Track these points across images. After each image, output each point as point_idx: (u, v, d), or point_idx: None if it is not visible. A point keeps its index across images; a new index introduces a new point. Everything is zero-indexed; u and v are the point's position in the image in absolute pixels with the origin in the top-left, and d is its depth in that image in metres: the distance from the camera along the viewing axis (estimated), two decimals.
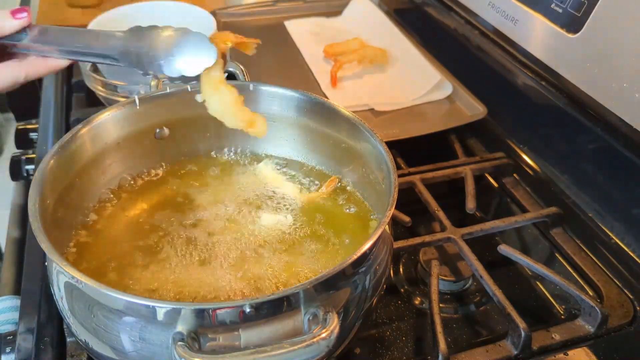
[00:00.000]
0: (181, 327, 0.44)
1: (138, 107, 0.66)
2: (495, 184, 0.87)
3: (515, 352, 0.61)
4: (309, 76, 1.03)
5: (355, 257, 0.48)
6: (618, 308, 0.66)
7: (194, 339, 0.44)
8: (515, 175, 0.86)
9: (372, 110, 0.94)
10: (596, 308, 0.63)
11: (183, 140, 0.72)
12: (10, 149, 2.11)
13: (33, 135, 0.96)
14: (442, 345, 0.59)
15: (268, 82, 0.70)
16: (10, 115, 2.15)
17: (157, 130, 0.70)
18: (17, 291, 0.70)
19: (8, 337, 0.62)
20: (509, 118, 0.93)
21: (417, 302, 0.71)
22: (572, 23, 0.75)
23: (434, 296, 0.64)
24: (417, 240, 0.71)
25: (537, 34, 0.82)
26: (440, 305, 0.65)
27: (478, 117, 0.92)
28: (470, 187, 0.81)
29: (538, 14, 0.81)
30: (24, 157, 0.90)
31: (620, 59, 0.69)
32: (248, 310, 0.44)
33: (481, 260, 0.68)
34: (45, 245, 0.48)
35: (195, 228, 0.64)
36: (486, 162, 0.87)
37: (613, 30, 0.70)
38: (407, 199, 0.75)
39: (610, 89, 0.70)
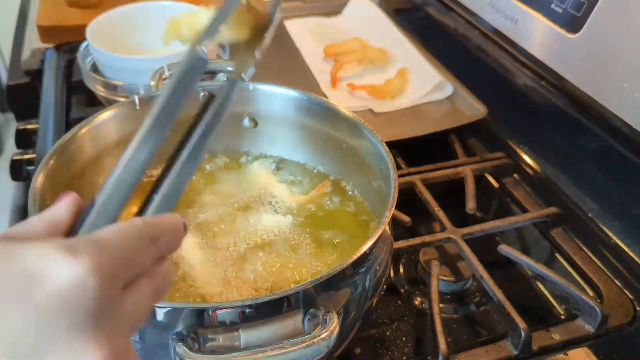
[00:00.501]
0: (181, 327, 0.44)
1: (138, 107, 0.66)
2: (496, 184, 0.87)
3: (515, 352, 0.61)
4: (309, 76, 1.03)
5: (355, 257, 0.48)
6: (618, 308, 0.66)
7: (194, 339, 0.44)
8: (515, 175, 0.86)
9: (372, 110, 0.95)
10: (596, 308, 0.63)
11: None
12: (10, 149, 2.12)
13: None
14: (442, 345, 0.59)
15: (268, 82, 0.70)
16: (10, 115, 2.14)
17: None
18: None
19: None
20: (509, 118, 0.93)
21: (417, 302, 0.71)
22: (572, 23, 0.75)
23: (434, 296, 0.64)
24: (417, 240, 0.71)
25: (537, 34, 0.82)
26: (440, 305, 0.65)
27: (478, 117, 0.92)
28: (470, 187, 0.81)
29: (538, 14, 0.81)
30: (24, 157, 0.90)
31: (620, 59, 0.69)
32: (248, 310, 0.44)
33: (481, 260, 0.68)
34: None
35: (194, 228, 0.63)
36: (486, 162, 0.87)
37: (613, 30, 0.70)
38: (407, 199, 0.75)
39: (610, 89, 0.70)
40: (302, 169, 0.73)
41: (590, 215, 0.76)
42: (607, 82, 0.70)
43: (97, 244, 0.29)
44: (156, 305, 0.44)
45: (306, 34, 1.16)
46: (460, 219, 0.77)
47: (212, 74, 0.89)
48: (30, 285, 0.27)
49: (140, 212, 0.38)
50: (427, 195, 0.78)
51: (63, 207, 0.34)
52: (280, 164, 0.73)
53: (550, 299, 0.73)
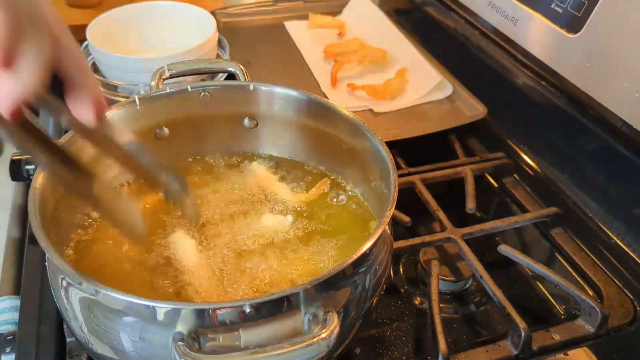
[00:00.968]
0: (181, 327, 0.44)
1: (138, 107, 0.66)
2: (495, 184, 0.87)
3: (515, 352, 0.61)
4: (309, 76, 1.03)
5: (355, 257, 0.48)
6: (618, 308, 0.66)
7: (194, 339, 0.44)
8: (515, 175, 0.86)
9: (372, 110, 0.95)
10: (596, 308, 0.63)
11: (183, 140, 0.72)
12: (10, 149, 2.11)
13: None
14: (442, 345, 0.59)
15: (268, 82, 0.70)
16: None
17: (157, 130, 0.70)
18: (17, 291, 0.70)
19: (8, 337, 0.62)
20: (509, 118, 0.92)
21: (417, 302, 0.71)
22: (572, 23, 0.75)
23: (434, 296, 0.64)
24: (417, 240, 0.71)
25: (537, 34, 0.82)
26: (440, 305, 0.65)
27: (478, 117, 0.92)
28: (470, 187, 0.81)
29: (538, 14, 0.81)
30: (24, 157, 0.90)
31: (620, 59, 0.69)
32: (248, 310, 0.44)
33: (481, 260, 0.68)
34: (45, 244, 0.48)
35: (194, 229, 0.63)
36: (486, 162, 0.87)
37: (613, 30, 0.70)
38: (407, 199, 0.75)
39: (610, 89, 0.70)
40: (302, 169, 0.73)
41: (590, 215, 0.76)
42: (607, 82, 0.70)
43: None
44: (156, 305, 0.45)
45: (306, 34, 1.16)
46: (460, 219, 0.77)
47: (212, 74, 0.89)
48: None
49: None
50: (427, 195, 0.78)
51: None
52: (280, 164, 0.73)
53: (550, 299, 0.73)
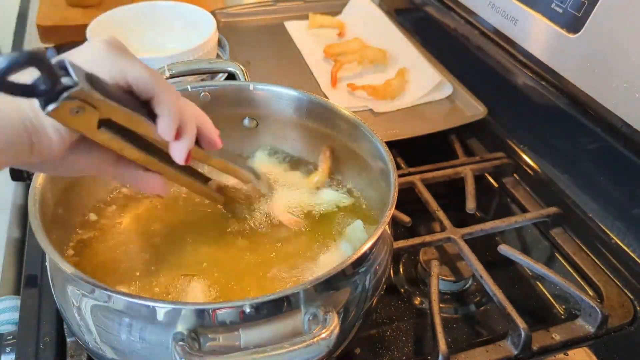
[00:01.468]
0: (181, 327, 0.44)
1: None
2: (495, 184, 0.87)
3: (515, 352, 0.61)
4: (309, 76, 1.03)
5: (355, 257, 0.48)
6: (618, 308, 0.66)
7: (194, 339, 0.44)
8: (515, 175, 0.86)
9: (372, 110, 0.95)
10: (596, 308, 0.63)
11: None
12: None
13: None
14: (442, 345, 0.59)
15: (268, 82, 0.70)
16: None
17: None
18: (17, 291, 0.70)
19: (8, 337, 0.62)
20: (509, 118, 0.92)
21: (417, 302, 0.71)
22: (572, 23, 0.75)
23: (434, 296, 0.64)
24: (417, 240, 0.71)
25: (537, 34, 0.82)
26: (440, 305, 0.65)
27: (478, 117, 0.92)
28: (470, 187, 0.81)
29: (538, 14, 0.81)
30: None
31: (620, 59, 0.69)
32: (248, 310, 0.44)
33: (481, 260, 0.68)
34: (45, 244, 0.48)
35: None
36: (486, 162, 0.87)
37: (613, 30, 0.70)
38: (407, 199, 0.75)
39: (610, 89, 0.70)
40: (304, 165, 0.73)
41: (590, 215, 0.76)
42: (607, 82, 0.70)
43: None
44: (156, 305, 0.45)
45: (306, 34, 1.16)
46: (460, 219, 0.77)
47: (212, 74, 0.89)
48: None
49: None
50: (427, 195, 0.78)
51: None
52: (281, 163, 0.73)
53: (550, 299, 0.73)
